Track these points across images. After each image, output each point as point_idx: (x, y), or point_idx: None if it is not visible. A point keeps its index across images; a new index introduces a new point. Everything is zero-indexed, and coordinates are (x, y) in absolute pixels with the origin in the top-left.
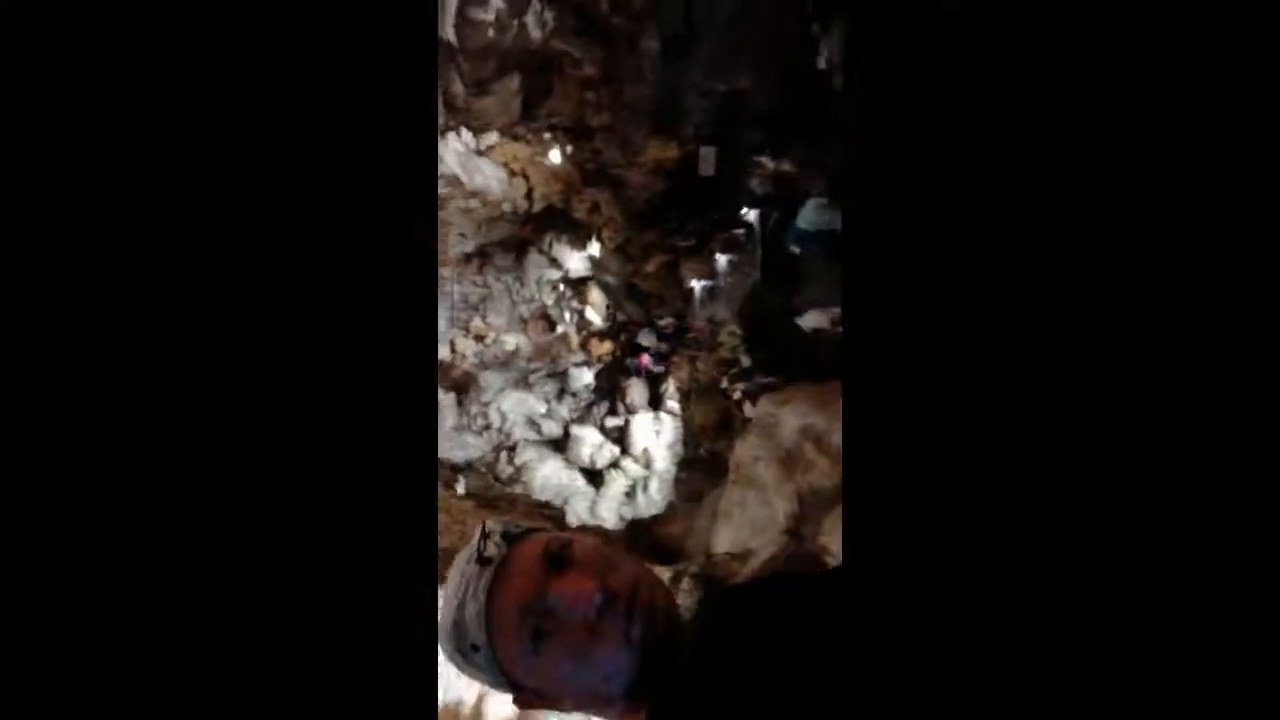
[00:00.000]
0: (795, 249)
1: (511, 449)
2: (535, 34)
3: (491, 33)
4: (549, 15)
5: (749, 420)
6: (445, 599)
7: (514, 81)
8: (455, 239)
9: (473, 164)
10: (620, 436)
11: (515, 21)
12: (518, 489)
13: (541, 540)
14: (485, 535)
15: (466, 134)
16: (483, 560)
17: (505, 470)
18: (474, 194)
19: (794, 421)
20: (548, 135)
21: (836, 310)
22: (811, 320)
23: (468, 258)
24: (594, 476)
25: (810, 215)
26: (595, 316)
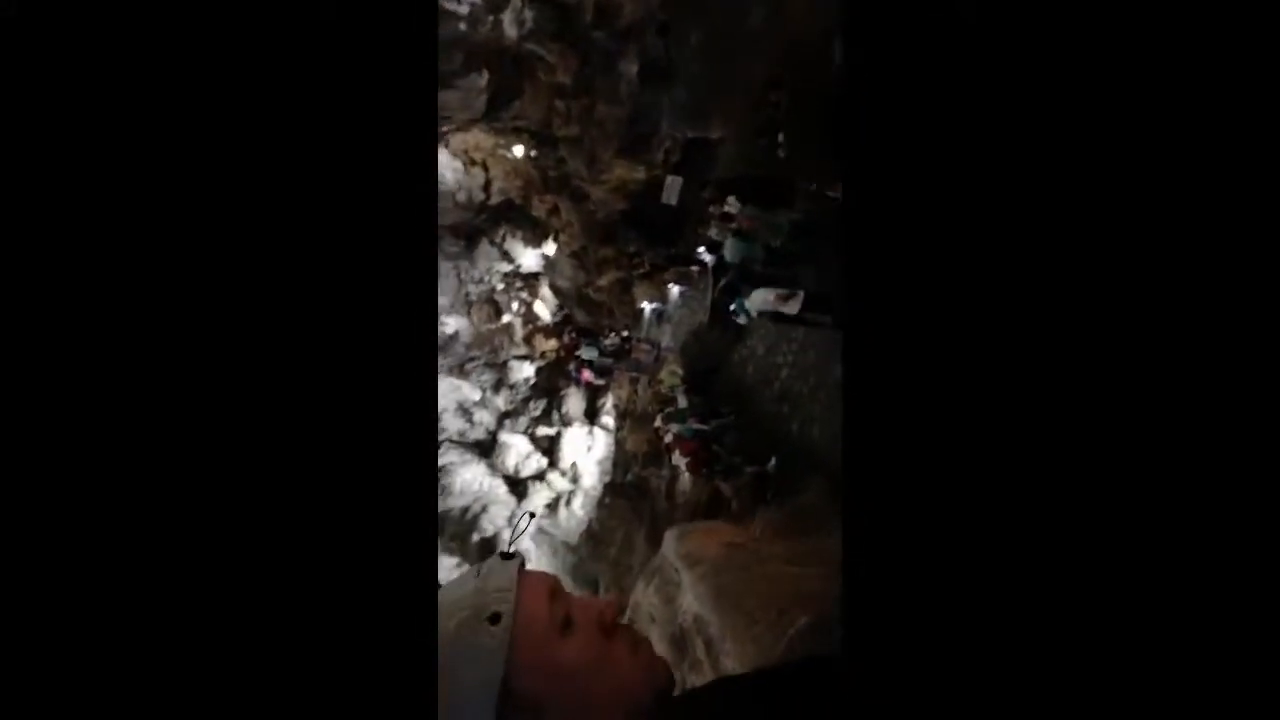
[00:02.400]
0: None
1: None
2: (511, 33)
3: (463, 25)
4: (528, 15)
5: (676, 469)
6: (456, 579)
7: (482, 79)
8: None
9: None
10: (550, 448)
11: (491, 18)
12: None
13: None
14: (516, 532)
15: None
16: (506, 555)
17: None
18: None
19: (692, 603)
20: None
21: (784, 291)
22: (759, 301)
23: None
24: (517, 485)
25: (733, 249)
26: (544, 311)
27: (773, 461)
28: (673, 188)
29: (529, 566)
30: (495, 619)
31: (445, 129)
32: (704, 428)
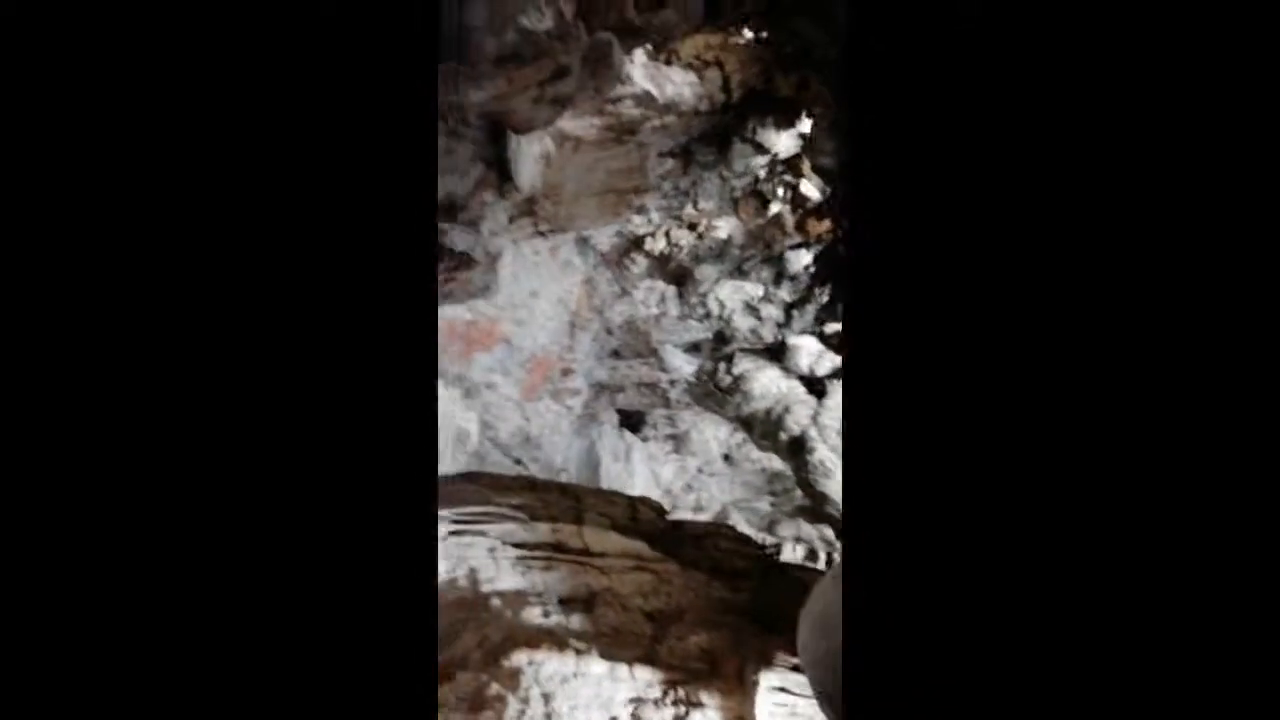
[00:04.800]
0: None
1: (729, 359)
2: None
3: None
4: None
5: None
6: (822, 635)
7: None
8: (656, 154)
9: (661, 75)
10: (841, 345)
11: None
12: (737, 398)
13: None
14: None
15: (649, 47)
16: None
17: (724, 380)
18: (667, 108)
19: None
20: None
21: None
22: None
23: (671, 155)
24: (814, 385)
25: None
26: (812, 190)
27: None
28: None
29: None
30: None
31: (673, 44)
32: None
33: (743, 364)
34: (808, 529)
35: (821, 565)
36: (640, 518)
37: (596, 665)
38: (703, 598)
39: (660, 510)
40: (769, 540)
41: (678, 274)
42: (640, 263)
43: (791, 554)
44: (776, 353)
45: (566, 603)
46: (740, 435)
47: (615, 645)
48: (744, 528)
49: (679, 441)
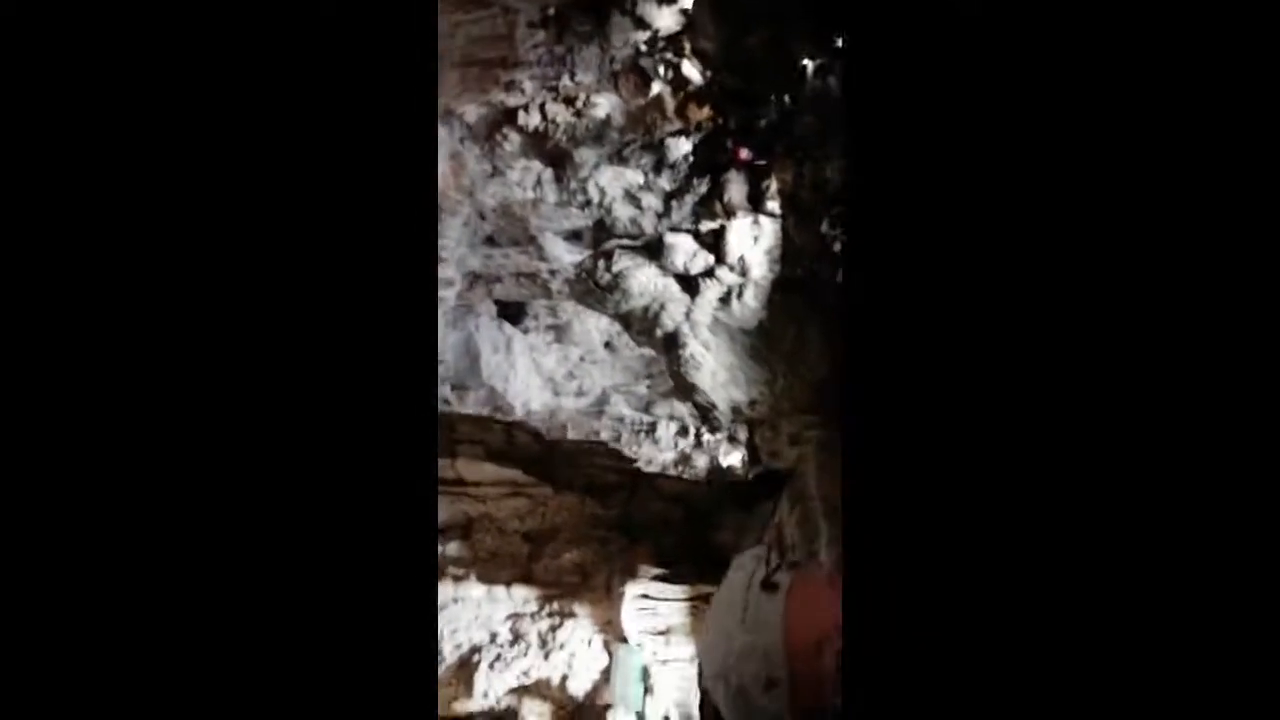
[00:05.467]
0: None
1: (609, 256)
2: None
3: None
4: None
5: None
6: (717, 633)
7: None
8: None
9: None
10: (716, 243)
11: None
12: (616, 295)
13: (825, 568)
14: (774, 566)
15: None
16: (769, 586)
17: (604, 277)
18: None
19: None
20: None
21: None
22: None
23: (543, 26)
24: (688, 283)
25: None
26: (694, 73)
27: None
28: None
29: (708, 358)
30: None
31: None
32: None
33: (622, 261)
34: (680, 408)
35: (690, 439)
36: (517, 442)
37: (475, 589)
38: (576, 516)
39: (537, 434)
40: (645, 419)
41: (555, 155)
42: (513, 139)
43: (665, 430)
44: (654, 250)
45: (443, 531)
46: (618, 326)
47: (493, 568)
48: (623, 409)
49: (560, 331)
